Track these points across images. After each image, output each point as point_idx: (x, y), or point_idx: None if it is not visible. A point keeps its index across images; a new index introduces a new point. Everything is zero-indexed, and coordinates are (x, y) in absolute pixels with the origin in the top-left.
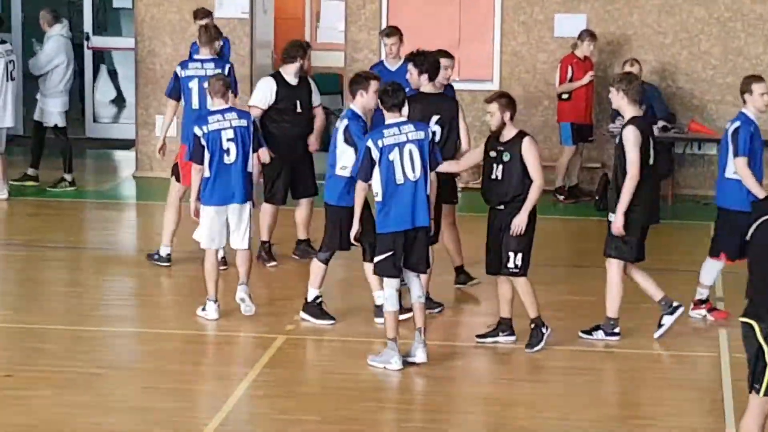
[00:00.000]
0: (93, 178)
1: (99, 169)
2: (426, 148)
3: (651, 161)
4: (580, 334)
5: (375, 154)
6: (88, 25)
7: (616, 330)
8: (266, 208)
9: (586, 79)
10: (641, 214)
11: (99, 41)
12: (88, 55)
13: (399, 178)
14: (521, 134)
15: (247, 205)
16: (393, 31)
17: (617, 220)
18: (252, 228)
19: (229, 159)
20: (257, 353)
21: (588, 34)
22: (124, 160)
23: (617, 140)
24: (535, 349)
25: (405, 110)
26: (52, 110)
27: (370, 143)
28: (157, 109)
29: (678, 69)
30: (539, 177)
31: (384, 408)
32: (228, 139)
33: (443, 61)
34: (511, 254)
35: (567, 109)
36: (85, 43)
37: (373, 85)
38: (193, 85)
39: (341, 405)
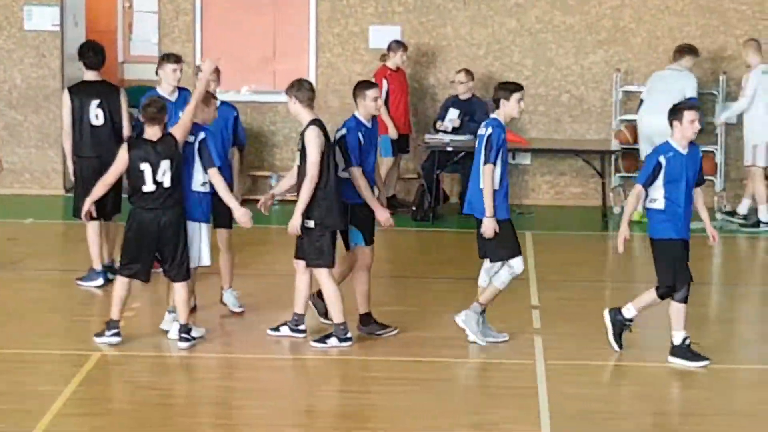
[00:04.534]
0: None
1: None
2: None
3: (333, 166)
4: (313, 343)
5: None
6: None
7: (348, 335)
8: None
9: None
10: (330, 218)
11: None
12: None
13: None
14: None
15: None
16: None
17: (294, 221)
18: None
19: None
20: (71, 371)
21: (398, 45)
22: None
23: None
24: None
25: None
26: None
27: None
28: None
29: (491, 80)
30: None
31: (201, 423)
32: None
33: (371, 92)
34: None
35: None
36: None
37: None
38: None
39: (156, 421)
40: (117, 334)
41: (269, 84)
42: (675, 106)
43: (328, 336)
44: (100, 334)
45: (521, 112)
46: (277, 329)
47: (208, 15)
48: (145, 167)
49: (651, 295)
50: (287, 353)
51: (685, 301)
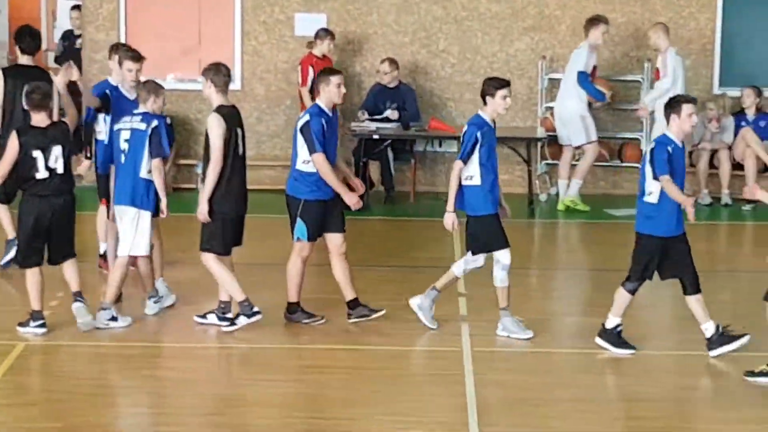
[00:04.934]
0: None
1: None
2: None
3: (240, 151)
4: (225, 329)
5: None
6: None
7: (255, 309)
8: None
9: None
10: (226, 205)
11: None
12: None
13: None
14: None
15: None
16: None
17: (201, 208)
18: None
19: (122, 160)
20: None
21: (325, 33)
22: None
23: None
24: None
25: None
26: None
27: None
28: None
29: (417, 68)
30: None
31: (128, 414)
32: (124, 140)
33: (335, 78)
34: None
35: None
36: None
37: (335, 79)
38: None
39: (86, 411)
40: (42, 325)
41: (194, 72)
42: (672, 99)
43: (237, 316)
44: (24, 324)
45: (507, 109)
46: (204, 317)
47: (133, 2)
48: (38, 154)
49: (621, 294)
50: (214, 341)
51: (633, 293)
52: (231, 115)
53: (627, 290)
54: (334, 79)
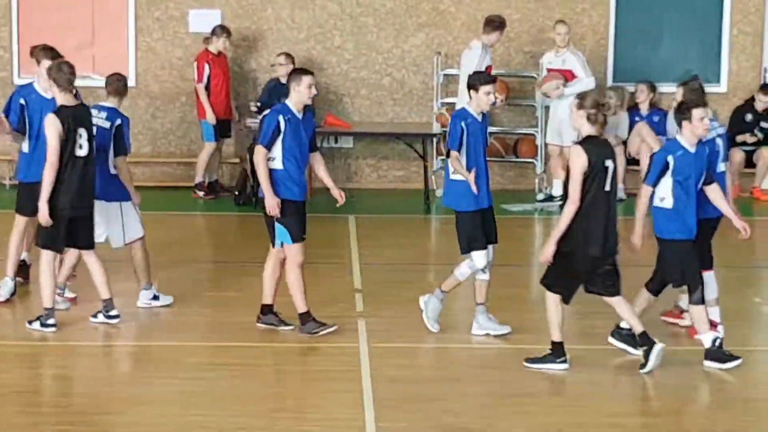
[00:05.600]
0: None
1: None
2: None
3: (83, 152)
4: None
5: None
6: None
7: (112, 313)
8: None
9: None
10: (61, 202)
11: None
12: None
13: None
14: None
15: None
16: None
17: (41, 208)
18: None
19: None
20: None
21: (222, 30)
22: None
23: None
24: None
25: None
26: None
27: None
28: None
29: (313, 64)
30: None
31: (26, 413)
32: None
33: (306, 78)
34: None
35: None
36: None
37: (306, 79)
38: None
39: None
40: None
41: (88, 68)
42: (681, 105)
43: (99, 312)
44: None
45: (493, 104)
46: (95, 316)
47: None
48: None
49: (643, 296)
50: (101, 340)
51: (701, 302)
52: (74, 116)
53: (694, 303)
54: (306, 79)
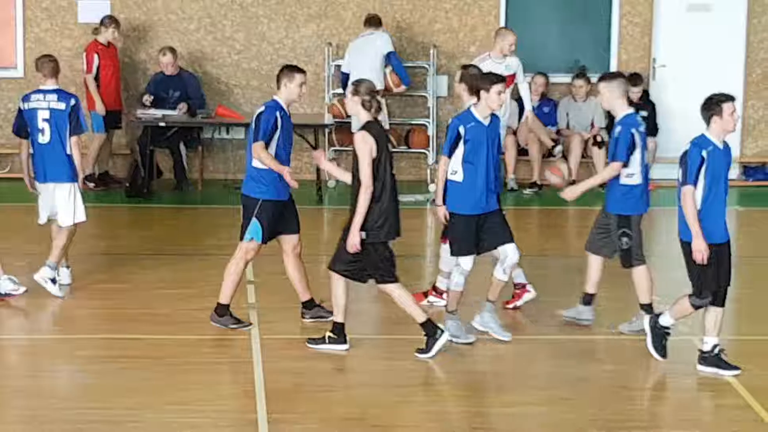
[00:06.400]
0: None
1: None
2: None
3: None
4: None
5: None
6: None
7: None
8: None
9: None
10: None
11: None
12: None
13: None
14: None
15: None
16: None
17: None
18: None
19: (44, 139)
20: None
21: (110, 20)
22: None
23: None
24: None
25: None
26: None
27: None
28: None
29: (204, 55)
30: None
31: None
32: (43, 119)
33: (299, 76)
34: None
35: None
36: None
37: (298, 77)
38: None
39: None
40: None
41: None
42: (709, 98)
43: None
44: None
45: (501, 105)
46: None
47: None
48: None
49: (685, 303)
50: None
51: (722, 304)
52: None
53: (695, 305)
54: (298, 77)
